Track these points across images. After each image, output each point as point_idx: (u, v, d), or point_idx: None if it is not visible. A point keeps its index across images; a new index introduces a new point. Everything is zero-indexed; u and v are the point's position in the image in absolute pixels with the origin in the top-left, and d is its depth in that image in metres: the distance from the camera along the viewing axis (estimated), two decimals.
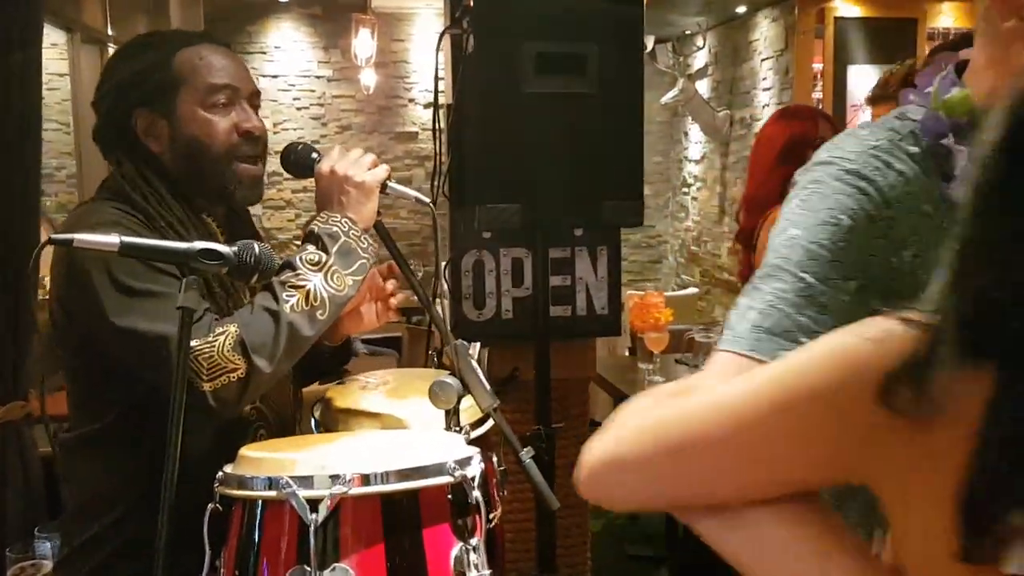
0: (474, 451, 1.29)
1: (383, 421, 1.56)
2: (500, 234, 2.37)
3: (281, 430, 1.55)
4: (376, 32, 5.78)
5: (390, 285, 1.70)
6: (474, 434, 1.56)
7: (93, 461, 1.46)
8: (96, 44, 5.08)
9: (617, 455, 0.73)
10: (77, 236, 1.10)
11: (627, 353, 4.67)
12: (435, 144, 2.12)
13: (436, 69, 2.09)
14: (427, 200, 1.53)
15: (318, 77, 7.57)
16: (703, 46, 7.71)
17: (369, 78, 6.98)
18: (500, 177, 1.91)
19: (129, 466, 1.43)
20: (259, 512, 1.18)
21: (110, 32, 5.08)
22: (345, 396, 1.68)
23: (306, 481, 1.14)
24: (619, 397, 3.72)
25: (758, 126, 7.09)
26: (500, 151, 1.90)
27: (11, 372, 2.19)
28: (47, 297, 1.54)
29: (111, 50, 5.52)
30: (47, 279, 1.54)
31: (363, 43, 5.74)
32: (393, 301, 1.71)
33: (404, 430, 1.49)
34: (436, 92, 2.09)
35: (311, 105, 7.57)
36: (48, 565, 1.88)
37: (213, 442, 1.37)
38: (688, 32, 7.72)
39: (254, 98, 1.54)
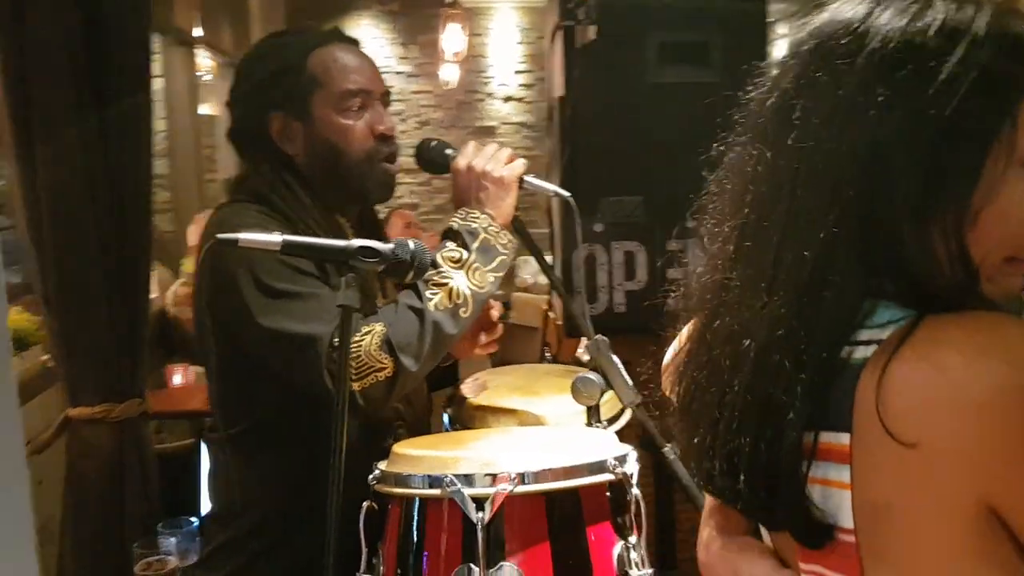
0: (628, 448, 1.27)
1: (520, 418, 1.55)
2: (611, 227, 2.34)
3: (418, 430, 1.56)
4: (467, 26, 5.78)
5: (494, 313, 1.62)
6: (611, 430, 1.54)
7: (238, 462, 1.48)
8: (186, 46, 5.20)
9: None
10: (242, 236, 1.11)
11: None
12: (554, 138, 2.10)
13: (551, 63, 2.06)
14: (567, 194, 1.51)
15: (397, 73, 7.62)
16: (786, 34, 7.53)
17: (451, 73, 7.00)
18: (622, 169, 1.89)
19: (274, 468, 1.44)
20: (419, 510, 1.19)
21: (198, 33, 5.18)
22: (476, 393, 1.68)
23: (470, 479, 1.14)
24: None
25: None
26: (623, 143, 1.87)
27: (129, 372, 2.24)
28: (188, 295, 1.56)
29: (198, 52, 5.65)
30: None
31: (452, 37, 5.74)
32: (497, 331, 1.64)
33: (553, 427, 1.48)
34: (552, 86, 2.07)
35: (391, 101, 7.62)
36: (173, 560, 1.92)
37: (358, 441, 1.38)
38: (770, 19, 7.55)
39: (385, 97, 1.55)
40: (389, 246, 1.18)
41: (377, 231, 1.62)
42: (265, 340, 1.34)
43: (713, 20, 1.82)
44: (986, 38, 0.67)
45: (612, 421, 1.58)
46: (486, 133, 7.80)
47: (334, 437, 1.12)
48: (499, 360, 4.60)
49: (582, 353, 2.98)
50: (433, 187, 7.60)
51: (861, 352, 0.66)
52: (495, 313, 1.64)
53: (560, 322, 2.42)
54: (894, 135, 0.66)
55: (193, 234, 3.94)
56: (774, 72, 0.77)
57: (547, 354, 2.25)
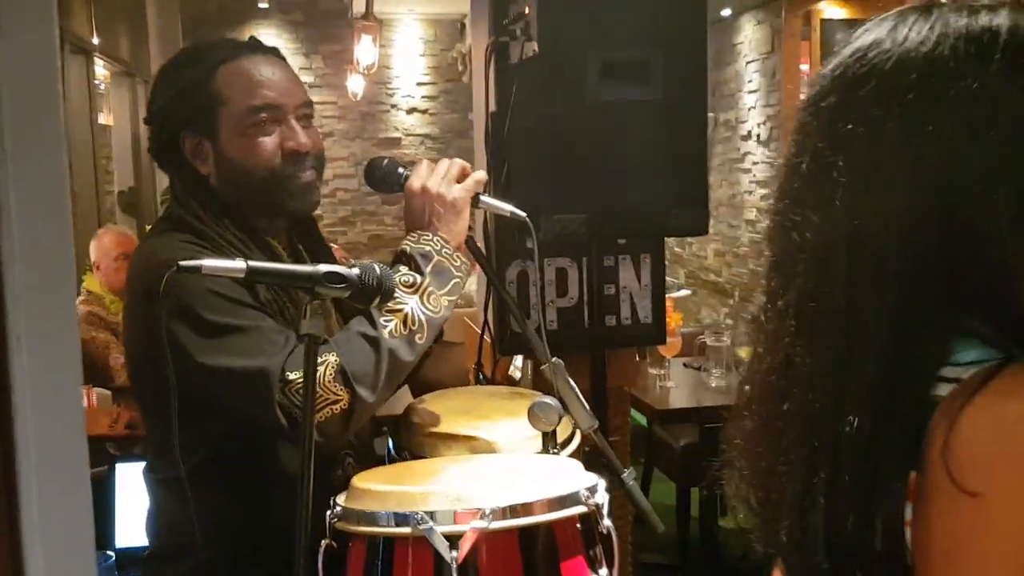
0: (597, 477, 1.24)
1: (473, 445, 1.50)
2: (543, 244, 2.32)
3: (366, 459, 1.49)
4: (379, 38, 5.71)
5: None
6: (563, 455, 1.52)
7: (182, 501, 1.38)
8: (83, 54, 4.95)
9: None
10: (206, 263, 1.03)
11: (635, 358, 4.64)
12: (487, 154, 2.06)
13: (487, 78, 2.03)
14: (523, 214, 1.47)
15: None
16: None
17: (357, 84, 6.90)
18: (563, 186, 1.86)
19: (221, 507, 1.36)
20: (384, 549, 1.13)
21: (95, 41, 4.95)
22: (424, 419, 1.62)
23: (440, 516, 1.09)
24: (633, 404, 3.70)
25: (743, 128, 7.13)
26: (563, 160, 1.85)
27: None
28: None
29: (96, 60, 5.38)
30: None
31: (365, 49, 5.66)
32: None
33: (509, 454, 1.44)
34: (487, 101, 2.03)
35: None
36: None
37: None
38: None
39: (302, 109, 1.45)
40: (355, 271, 1.12)
41: (320, 252, 1.55)
42: (208, 380, 1.26)
43: (654, 39, 1.82)
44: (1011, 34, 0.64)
45: (563, 445, 1.55)
46: (390, 145, 7.73)
47: (300, 479, 1.06)
48: (420, 377, 4.52)
49: (514, 372, 2.95)
50: (337, 199, 7.47)
51: (941, 390, 0.64)
52: None
53: (489, 339, 2.38)
54: (966, 170, 0.64)
55: (95, 250, 3.73)
56: (796, 134, 0.74)
57: (480, 374, 2.19)
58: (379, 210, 7.76)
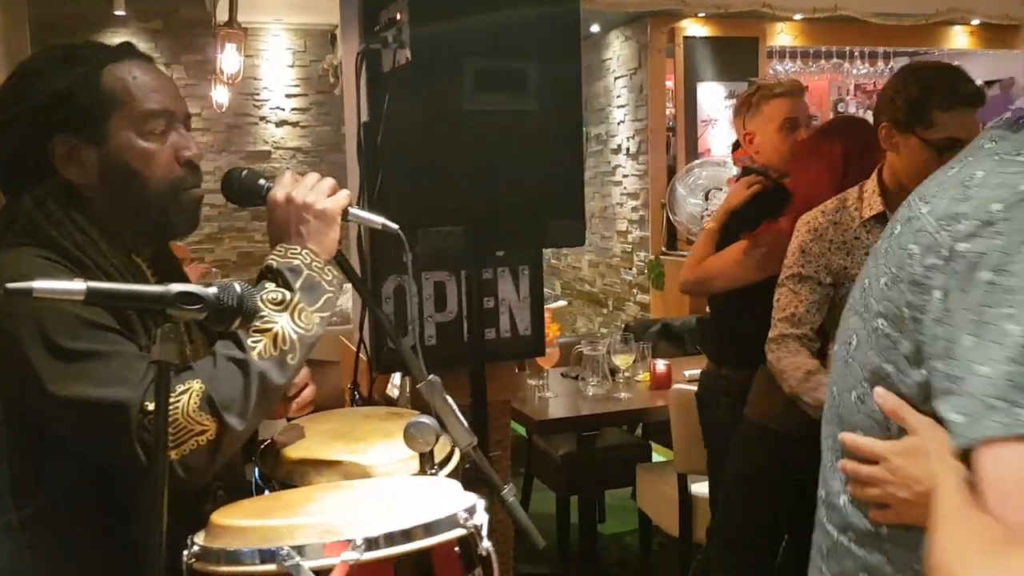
0: (475, 497, 1.19)
1: (345, 470, 1.42)
2: (421, 258, 2.26)
3: (239, 490, 1.39)
4: (243, 47, 5.51)
5: (300, 376, 1.48)
6: (441, 475, 1.46)
7: (25, 548, 1.25)
8: None
9: None
10: (37, 284, 0.92)
11: (515, 371, 4.63)
12: (360, 166, 1.99)
13: (357, 87, 1.96)
14: (395, 226, 1.41)
15: None
16: None
17: (222, 95, 6.65)
18: (439, 199, 1.81)
19: (71, 553, 1.23)
20: None
21: None
22: (293, 444, 1.53)
23: (309, 550, 1.01)
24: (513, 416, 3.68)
25: (614, 142, 7.27)
26: (438, 171, 1.80)
27: None
28: None
29: None
30: None
31: (229, 58, 5.45)
32: (306, 395, 1.52)
33: (384, 478, 1.37)
34: (359, 111, 1.96)
35: None
36: None
37: (172, 512, 1.20)
38: None
39: (188, 120, 1.39)
40: (212, 291, 1.04)
41: (177, 271, 1.45)
42: (61, 411, 1.14)
43: (529, 49, 1.80)
44: None
45: (442, 465, 1.50)
46: (259, 158, 7.49)
47: (154, 519, 0.96)
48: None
49: (392, 390, 2.87)
50: (204, 215, 7.15)
51: None
52: (303, 375, 1.50)
53: (366, 358, 2.30)
54: None
55: None
56: None
57: (357, 393, 2.12)
58: (248, 226, 7.50)
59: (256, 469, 1.54)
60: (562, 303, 6.78)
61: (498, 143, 1.80)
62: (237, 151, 7.43)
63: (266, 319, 1.24)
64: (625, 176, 7.16)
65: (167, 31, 7.09)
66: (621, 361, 3.93)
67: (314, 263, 1.32)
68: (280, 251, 1.32)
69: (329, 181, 1.38)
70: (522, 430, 4.10)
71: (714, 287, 2.77)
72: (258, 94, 7.49)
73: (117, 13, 6.79)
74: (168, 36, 7.11)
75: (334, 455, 1.46)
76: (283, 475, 1.47)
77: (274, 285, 1.28)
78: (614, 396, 3.71)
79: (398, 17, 1.82)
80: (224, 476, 1.35)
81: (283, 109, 7.58)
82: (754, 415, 2.55)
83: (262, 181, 1.39)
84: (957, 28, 6.92)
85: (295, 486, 1.42)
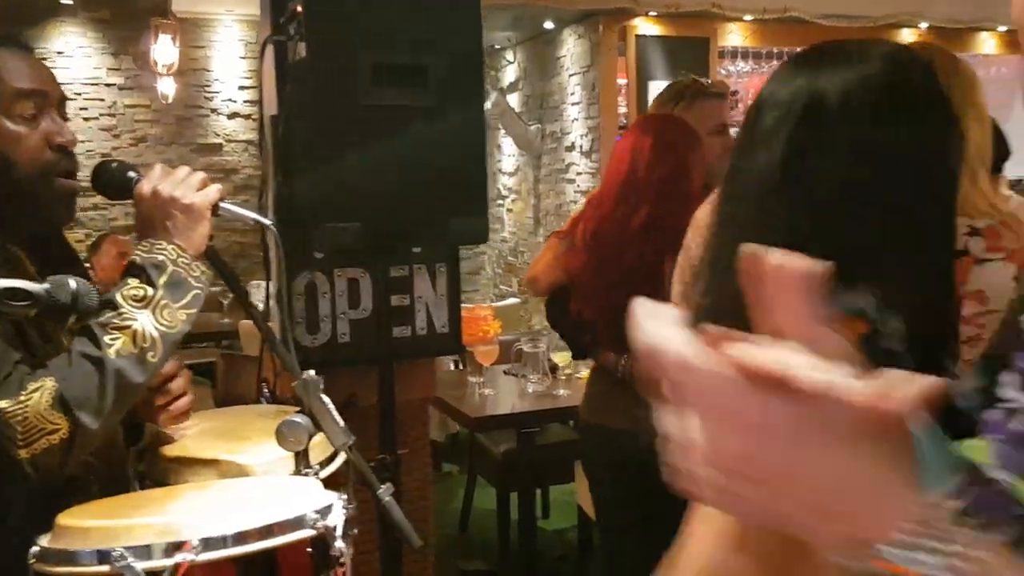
0: (334, 497, 1.18)
1: (221, 469, 1.40)
2: (334, 255, 2.24)
3: (117, 485, 1.36)
4: (178, 38, 5.42)
5: (176, 384, 1.47)
6: (323, 473, 1.44)
7: None
8: None
9: None
10: None
11: (452, 367, 4.61)
12: (263, 160, 1.96)
13: (260, 79, 1.93)
14: (268, 222, 1.39)
15: (108, 85, 7.01)
16: (513, 61, 7.82)
17: (167, 87, 6.54)
18: (337, 194, 1.79)
19: None
20: None
21: None
22: (165, 443, 1.51)
23: (144, 551, 0.99)
24: (450, 413, 3.67)
25: (568, 139, 7.26)
26: (336, 166, 1.77)
27: None
28: None
29: None
30: None
31: (163, 49, 5.37)
32: (182, 403, 1.49)
33: (250, 478, 1.35)
34: (261, 104, 1.93)
35: (100, 115, 6.99)
36: None
37: (36, 508, 1.17)
38: (498, 46, 7.80)
39: (63, 106, 1.37)
40: (44, 286, 1.01)
41: (71, 262, 1.41)
42: None
43: (429, 44, 1.78)
44: None
45: (326, 464, 1.48)
46: (210, 150, 7.39)
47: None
48: (224, 395, 4.32)
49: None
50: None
51: None
52: (180, 383, 1.48)
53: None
54: None
55: None
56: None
57: (265, 391, 2.08)
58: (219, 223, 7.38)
59: (132, 470, 1.52)
60: (514, 301, 6.78)
61: (396, 139, 1.77)
62: (187, 143, 7.32)
63: (125, 316, 1.21)
64: (579, 174, 7.16)
65: (115, 21, 6.96)
66: (560, 359, 3.93)
67: (180, 259, 1.29)
68: (145, 247, 1.29)
69: (199, 175, 1.35)
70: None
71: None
72: (209, 86, 7.38)
73: (64, 2, 6.66)
74: (116, 26, 6.98)
75: (212, 454, 1.43)
76: (158, 473, 1.44)
77: (137, 281, 1.25)
78: (553, 393, 3.70)
79: (298, 8, 1.80)
80: (99, 471, 1.32)
81: (235, 101, 7.48)
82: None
83: (132, 174, 1.36)
84: (906, 31, 7.00)
85: (169, 485, 1.40)
